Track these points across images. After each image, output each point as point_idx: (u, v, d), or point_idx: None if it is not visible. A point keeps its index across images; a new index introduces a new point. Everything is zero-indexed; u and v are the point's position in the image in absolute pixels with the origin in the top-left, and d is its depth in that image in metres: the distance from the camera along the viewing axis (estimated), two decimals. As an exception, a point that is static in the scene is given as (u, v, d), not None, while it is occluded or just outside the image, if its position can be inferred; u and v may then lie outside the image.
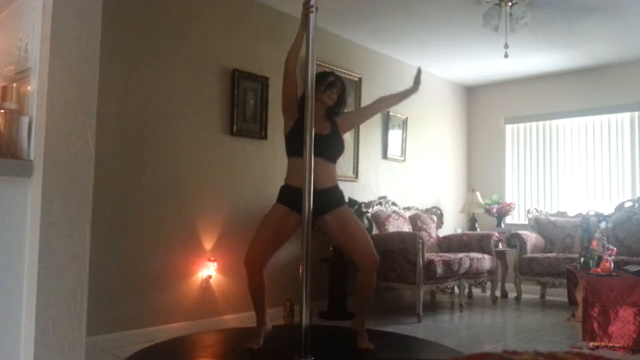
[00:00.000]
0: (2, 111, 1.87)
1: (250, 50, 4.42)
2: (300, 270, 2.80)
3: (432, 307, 5.23)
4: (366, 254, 2.99)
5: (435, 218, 5.89)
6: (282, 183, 3.11)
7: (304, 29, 2.95)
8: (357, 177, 5.36)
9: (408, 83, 6.35)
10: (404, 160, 5.98)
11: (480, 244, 5.40)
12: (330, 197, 3.00)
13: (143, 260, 3.65)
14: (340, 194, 3.11)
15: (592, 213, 5.46)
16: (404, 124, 5.97)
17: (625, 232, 5.31)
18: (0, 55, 2.18)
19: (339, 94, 3.15)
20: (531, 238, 5.69)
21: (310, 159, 2.83)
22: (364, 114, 3.59)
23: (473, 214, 6.32)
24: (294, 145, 2.99)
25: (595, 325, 3.52)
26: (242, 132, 4.31)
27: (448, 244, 5.63)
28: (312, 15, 2.90)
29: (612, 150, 6.00)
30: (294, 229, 3.03)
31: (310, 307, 2.81)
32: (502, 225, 6.15)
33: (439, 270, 4.56)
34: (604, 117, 6.07)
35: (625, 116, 5.94)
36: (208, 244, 4.04)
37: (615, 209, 5.59)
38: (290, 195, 3.00)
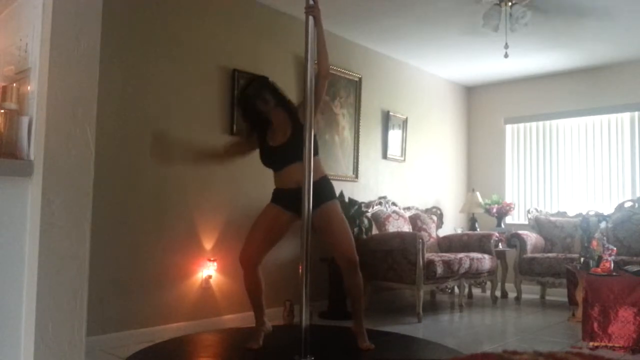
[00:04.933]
0: (2, 111, 1.86)
1: (250, 50, 4.42)
2: (300, 270, 2.80)
3: (432, 307, 5.23)
4: (344, 253, 3.00)
5: (435, 218, 5.89)
6: None
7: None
8: (357, 177, 5.36)
9: (408, 83, 6.38)
10: (404, 160, 5.98)
11: (480, 244, 5.40)
12: (317, 191, 2.93)
13: (143, 260, 3.65)
14: (328, 186, 3.08)
15: (592, 213, 5.46)
16: (404, 124, 5.97)
17: (625, 232, 5.31)
18: (0, 55, 2.18)
19: (270, 97, 3.06)
20: (531, 238, 5.69)
21: (310, 159, 2.83)
22: (320, 93, 3.08)
23: (473, 214, 6.32)
24: (266, 164, 3.14)
25: (595, 325, 3.52)
26: (242, 132, 4.30)
27: (448, 244, 5.63)
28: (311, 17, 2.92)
29: (612, 150, 5.99)
30: (286, 226, 3.10)
31: (310, 307, 2.81)
32: (502, 225, 6.15)
33: (439, 270, 4.56)
34: (604, 117, 6.06)
35: (625, 116, 5.94)
36: (208, 244, 4.04)
37: (615, 209, 5.59)
38: (280, 196, 3.09)
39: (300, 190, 2.83)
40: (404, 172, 6.00)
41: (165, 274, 3.76)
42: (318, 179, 3.03)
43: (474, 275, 5.09)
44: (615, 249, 4.15)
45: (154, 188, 3.75)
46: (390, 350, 3.19)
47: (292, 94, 4.25)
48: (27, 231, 1.80)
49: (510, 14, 4.23)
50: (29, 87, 1.90)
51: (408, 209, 5.74)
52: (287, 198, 2.99)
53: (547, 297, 5.75)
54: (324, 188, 3.06)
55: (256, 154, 4.41)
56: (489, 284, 5.58)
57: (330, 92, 5.07)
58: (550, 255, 5.42)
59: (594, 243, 4.16)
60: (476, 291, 5.97)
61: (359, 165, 5.38)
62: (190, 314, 3.87)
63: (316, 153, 3.06)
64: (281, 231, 3.10)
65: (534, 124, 6.56)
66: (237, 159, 3.48)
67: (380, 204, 5.36)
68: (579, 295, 3.95)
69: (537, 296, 5.75)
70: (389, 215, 5.27)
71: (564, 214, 6.03)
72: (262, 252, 3.07)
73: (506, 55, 4.46)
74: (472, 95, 7.06)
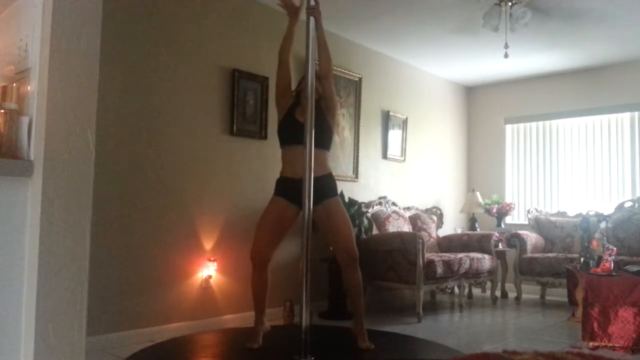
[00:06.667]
0: (2, 111, 1.86)
1: (250, 50, 4.42)
2: (300, 270, 2.80)
3: (432, 307, 5.23)
4: (345, 248, 3.01)
5: (435, 218, 5.89)
6: None
7: (295, 22, 3.09)
8: (357, 177, 5.36)
9: (408, 83, 6.37)
10: (404, 160, 5.98)
11: (480, 244, 5.40)
12: (322, 187, 2.98)
13: (143, 260, 3.65)
14: (332, 183, 3.12)
15: (592, 213, 5.46)
16: (404, 124, 5.97)
17: (625, 232, 5.31)
18: (0, 55, 2.18)
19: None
20: (531, 238, 5.69)
21: (311, 160, 2.84)
22: (328, 93, 3.18)
23: (473, 214, 6.32)
24: (283, 134, 3.14)
25: (595, 325, 3.52)
26: (242, 132, 4.31)
27: (448, 244, 5.63)
28: (311, 17, 2.93)
29: (612, 150, 6.00)
30: (292, 219, 3.10)
31: (310, 307, 2.81)
32: (502, 225, 6.15)
33: (439, 270, 4.56)
34: (604, 117, 6.07)
35: (625, 116, 5.94)
36: (208, 244, 4.04)
37: (615, 209, 5.59)
38: (285, 187, 3.08)
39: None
40: (404, 172, 6.00)
41: (165, 274, 3.76)
42: (325, 174, 3.07)
43: (474, 275, 5.09)
44: (615, 249, 4.16)
45: (153, 188, 3.75)
46: (390, 350, 3.19)
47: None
48: (27, 231, 1.80)
49: (510, 14, 4.23)
50: (29, 87, 1.90)
51: (408, 209, 5.74)
52: (291, 190, 2.99)
53: (547, 297, 5.75)
54: (329, 184, 3.10)
55: (254, 155, 4.43)
56: (489, 284, 5.58)
57: (330, 92, 5.06)
58: (550, 255, 5.42)
59: (594, 243, 4.16)
60: (476, 291, 5.97)
61: (359, 165, 5.38)
62: (190, 314, 3.87)
63: (328, 148, 3.13)
64: (288, 224, 3.11)
65: (534, 124, 6.56)
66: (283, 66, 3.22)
67: (380, 204, 5.36)
68: (579, 295, 3.95)
69: (537, 296, 5.75)
70: (389, 215, 5.27)
71: (564, 214, 6.03)
72: (273, 247, 3.09)
73: (506, 55, 4.46)
74: (472, 95, 7.06)
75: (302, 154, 2.86)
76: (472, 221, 6.28)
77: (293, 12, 3.09)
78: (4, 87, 1.98)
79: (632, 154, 5.86)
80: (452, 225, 6.40)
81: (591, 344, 3.50)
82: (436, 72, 6.44)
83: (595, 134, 6.12)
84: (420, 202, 6.11)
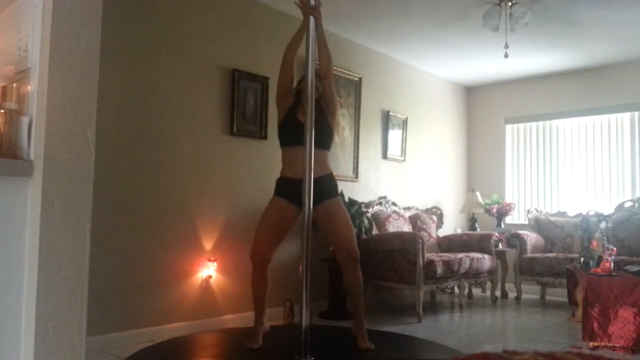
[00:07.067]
0: (2, 111, 1.86)
1: (250, 50, 4.42)
2: (300, 270, 2.80)
3: (432, 307, 5.23)
4: (345, 248, 3.02)
5: (435, 218, 5.89)
6: None
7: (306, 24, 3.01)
8: (357, 177, 5.36)
9: (408, 83, 6.37)
10: (404, 160, 5.98)
11: (480, 244, 5.39)
12: (322, 187, 2.99)
13: (143, 260, 3.65)
14: (332, 183, 3.12)
15: (592, 213, 5.46)
16: (404, 124, 5.97)
17: (625, 232, 5.31)
18: (0, 55, 2.18)
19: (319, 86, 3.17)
20: (531, 238, 5.69)
21: (311, 160, 2.83)
22: (328, 93, 3.19)
23: (473, 214, 6.32)
24: (284, 134, 3.13)
25: (595, 325, 3.52)
26: (242, 132, 4.31)
27: (448, 244, 5.63)
28: (311, 17, 2.93)
29: (612, 150, 6.00)
30: (293, 220, 3.11)
31: (310, 307, 2.81)
32: (502, 225, 6.15)
33: (439, 270, 4.56)
34: (604, 117, 6.07)
35: (625, 116, 5.94)
36: (208, 244, 4.04)
37: (615, 209, 5.59)
38: (285, 187, 3.09)
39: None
40: (404, 172, 6.00)
41: (165, 274, 3.76)
42: (325, 175, 3.07)
43: (474, 275, 5.09)
44: (615, 249, 4.16)
45: (154, 188, 3.75)
46: (390, 350, 3.19)
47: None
48: (27, 231, 1.80)
49: (510, 14, 4.23)
50: (29, 87, 1.90)
51: (408, 209, 5.74)
52: (292, 190, 3.00)
53: (547, 297, 5.75)
54: (330, 184, 3.10)
55: (254, 155, 4.43)
56: (489, 284, 5.58)
57: (330, 92, 5.06)
58: (550, 255, 5.42)
59: (594, 243, 4.17)
60: (476, 291, 5.97)
61: (359, 165, 5.38)
62: (190, 314, 3.87)
63: (329, 149, 3.14)
64: (288, 225, 3.12)
65: (534, 124, 6.56)
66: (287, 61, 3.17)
67: (380, 204, 5.36)
68: (579, 295, 3.95)
69: (537, 296, 5.75)
70: (389, 215, 5.27)
71: (564, 214, 6.03)
72: (273, 247, 3.09)
73: (506, 55, 4.46)
74: (472, 95, 7.06)
75: (302, 155, 2.86)
76: (472, 221, 6.28)
77: (307, 13, 3.05)
78: (4, 87, 1.98)
79: (632, 154, 5.86)
80: (452, 225, 6.40)
81: (591, 344, 3.51)
82: (436, 72, 6.44)
83: (595, 134, 6.12)
84: (420, 202, 6.11)
